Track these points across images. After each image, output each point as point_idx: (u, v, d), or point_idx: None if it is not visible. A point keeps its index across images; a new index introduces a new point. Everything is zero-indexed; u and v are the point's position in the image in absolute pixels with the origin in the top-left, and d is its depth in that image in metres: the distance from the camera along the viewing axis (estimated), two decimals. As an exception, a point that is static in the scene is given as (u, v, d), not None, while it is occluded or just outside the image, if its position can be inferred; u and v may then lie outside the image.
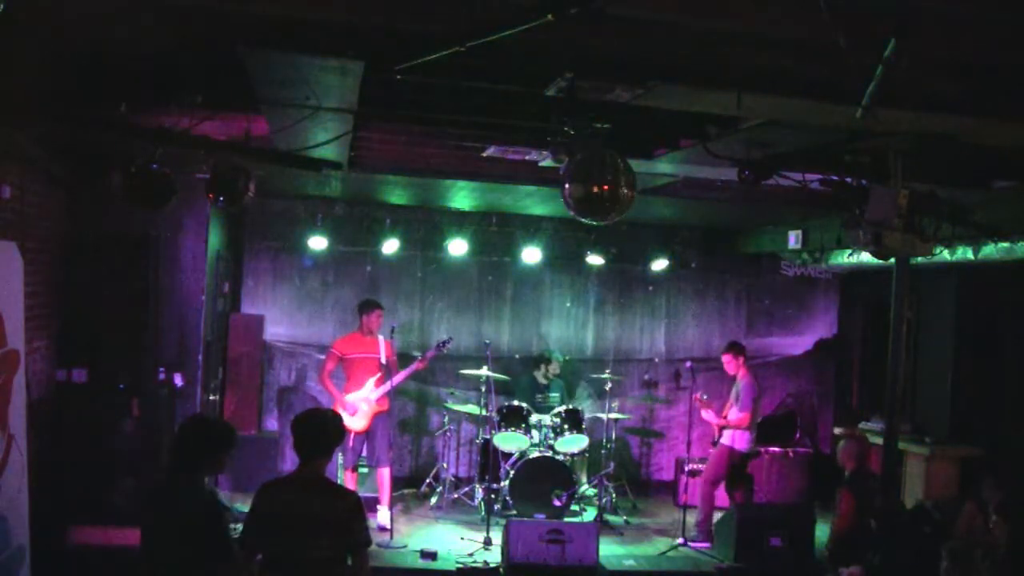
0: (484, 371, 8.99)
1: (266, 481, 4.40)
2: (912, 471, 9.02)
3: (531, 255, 9.86)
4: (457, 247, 9.70)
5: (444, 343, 8.99)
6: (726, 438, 8.61)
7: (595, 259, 10.09)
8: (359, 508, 4.25)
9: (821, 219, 8.58)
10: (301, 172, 7.18)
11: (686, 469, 9.55)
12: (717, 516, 8.46)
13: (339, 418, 4.55)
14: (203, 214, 7.86)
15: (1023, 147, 5.21)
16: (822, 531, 7.99)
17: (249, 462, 8.48)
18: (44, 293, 6.75)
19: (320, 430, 4.28)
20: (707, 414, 8.76)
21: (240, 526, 4.27)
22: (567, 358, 10.35)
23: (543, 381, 9.84)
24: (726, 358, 8.76)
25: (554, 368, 9.84)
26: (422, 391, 10.28)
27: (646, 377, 10.17)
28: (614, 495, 9.50)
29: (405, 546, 7.87)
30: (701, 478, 8.97)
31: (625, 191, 4.23)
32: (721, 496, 8.83)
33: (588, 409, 9.77)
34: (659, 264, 10.33)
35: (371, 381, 8.39)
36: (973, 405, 9.23)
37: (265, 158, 6.29)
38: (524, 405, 9.13)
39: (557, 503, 8.54)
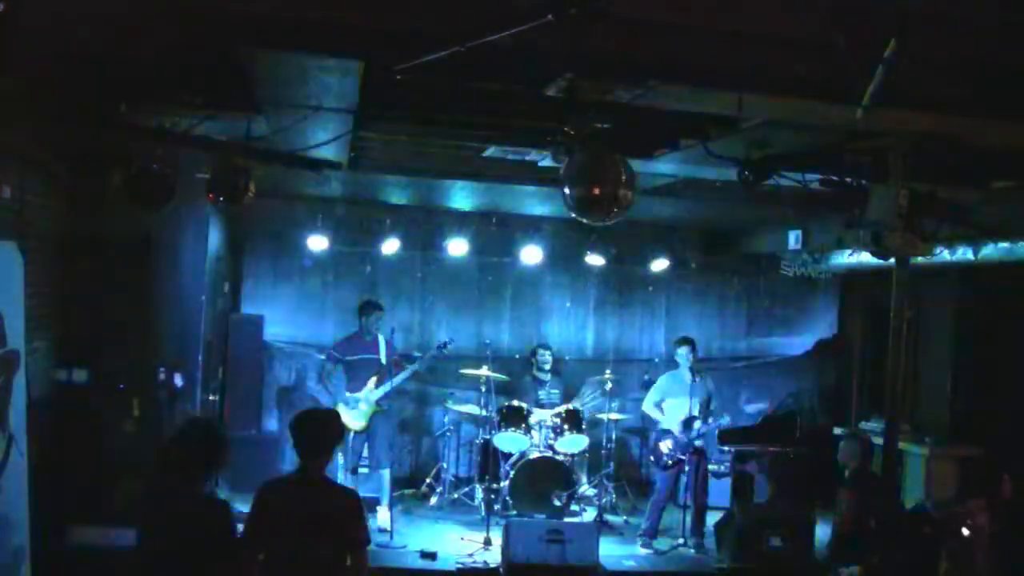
0: (484, 371, 8.99)
1: (266, 480, 4.41)
2: (912, 471, 9.02)
3: (531, 255, 9.83)
4: (457, 247, 9.68)
5: (444, 345, 8.98)
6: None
7: (595, 259, 10.06)
8: (359, 507, 4.26)
9: (821, 219, 8.57)
10: (301, 172, 7.17)
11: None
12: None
13: (338, 417, 4.57)
14: (203, 214, 7.84)
15: (1023, 147, 5.22)
16: (822, 531, 7.99)
17: (249, 462, 8.46)
18: (44, 293, 6.73)
19: (320, 429, 4.28)
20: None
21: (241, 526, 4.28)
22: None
23: (542, 377, 9.81)
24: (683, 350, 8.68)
25: (545, 358, 9.78)
26: (422, 391, 10.27)
27: (646, 377, 10.14)
28: (614, 495, 9.49)
29: (405, 546, 7.86)
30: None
31: (625, 191, 4.23)
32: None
33: (593, 407, 9.68)
34: (659, 264, 10.31)
35: (371, 382, 8.39)
36: (973, 405, 9.23)
37: (265, 158, 6.29)
38: (524, 405, 9.11)
39: (557, 503, 8.53)
